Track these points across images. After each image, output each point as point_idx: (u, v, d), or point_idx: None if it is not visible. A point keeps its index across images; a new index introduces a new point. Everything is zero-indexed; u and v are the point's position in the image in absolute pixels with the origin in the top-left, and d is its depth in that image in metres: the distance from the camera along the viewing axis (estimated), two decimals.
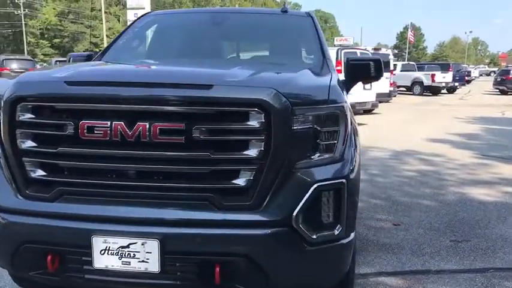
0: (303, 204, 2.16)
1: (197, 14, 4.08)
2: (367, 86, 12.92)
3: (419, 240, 4.25)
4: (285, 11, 3.94)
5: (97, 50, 71.34)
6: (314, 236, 2.20)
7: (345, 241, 2.33)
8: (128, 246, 2.13)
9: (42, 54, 67.34)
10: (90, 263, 2.17)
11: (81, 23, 71.53)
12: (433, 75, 27.86)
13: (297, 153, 2.22)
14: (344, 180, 2.27)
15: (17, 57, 22.04)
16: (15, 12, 62.35)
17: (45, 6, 71.40)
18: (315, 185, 2.19)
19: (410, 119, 15.38)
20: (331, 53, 11.95)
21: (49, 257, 2.23)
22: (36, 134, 2.24)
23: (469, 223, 4.75)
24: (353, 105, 12.26)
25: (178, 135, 2.11)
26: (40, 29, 70.58)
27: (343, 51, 12.42)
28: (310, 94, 2.29)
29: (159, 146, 2.13)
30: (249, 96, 2.13)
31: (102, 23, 45.31)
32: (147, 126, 2.11)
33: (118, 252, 2.14)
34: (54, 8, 71.43)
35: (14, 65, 20.08)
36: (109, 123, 2.13)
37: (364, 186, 6.24)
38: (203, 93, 2.12)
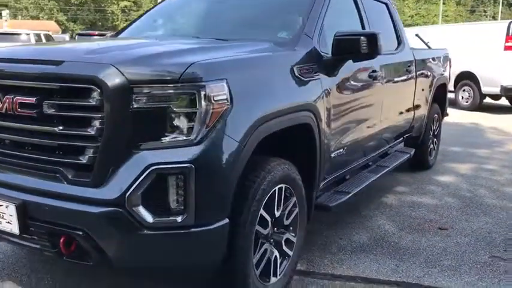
0: (138, 186, 2.09)
1: None
2: None
3: (450, 249, 3.57)
4: None
5: None
6: (150, 221, 2.11)
7: (196, 230, 2.18)
8: None
9: None
10: None
11: None
12: None
13: (140, 133, 2.14)
14: (191, 165, 2.11)
15: None
16: None
17: None
18: (152, 168, 2.09)
19: None
20: (495, 27, 10.41)
21: None
22: None
23: None
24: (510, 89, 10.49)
25: (32, 109, 2.24)
26: None
27: None
28: (159, 72, 2.15)
29: (20, 118, 2.29)
30: (85, 73, 2.14)
31: None
32: (11, 99, 2.28)
33: None
34: None
35: None
36: None
37: (455, 180, 5.41)
38: (50, 69, 2.20)
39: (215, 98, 2.19)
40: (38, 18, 62.44)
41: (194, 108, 2.15)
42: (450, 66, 6.46)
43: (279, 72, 2.70)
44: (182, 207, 2.14)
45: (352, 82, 3.44)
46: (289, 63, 2.80)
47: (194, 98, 2.15)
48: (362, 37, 3.05)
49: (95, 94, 2.12)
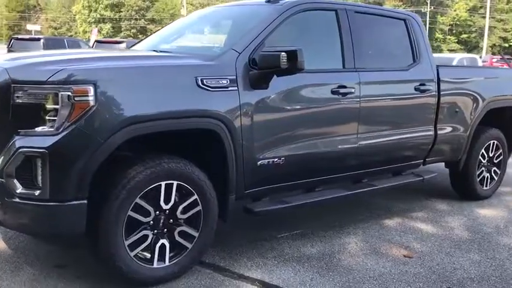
0: (11, 163, 2.72)
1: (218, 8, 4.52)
2: None
3: (386, 276, 3.39)
4: (268, 1, 3.87)
5: (506, 45, 67.42)
6: (18, 191, 2.72)
7: (50, 204, 2.71)
8: None
9: (448, 50, 68.39)
10: None
11: (493, 17, 68.57)
12: None
13: (19, 123, 2.76)
14: (45, 151, 2.65)
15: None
16: (422, 10, 65.09)
17: (457, 2, 72.04)
18: (20, 150, 2.69)
19: None
20: None
21: None
22: None
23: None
24: None
25: None
26: (450, 24, 71.79)
27: None
28: (33, 75, 2.75)
29: None
30: None
31: None
32: None
33: None
34: (466, 4, 71.14)
35: None
36: None
37: (494, 215, 4.85)
38: None
39: (76, 98, 2.69)
40: None
41: (57, 105, 2.68)
42: None
43: (172, 80, 3.04)
44: (40, 184, 2.69)
45: (295, 96, 3.55)
46: (193, 74, 3.11)
47: (57, 97, 2.68)
48: (282, 53, 3.19)
49: None
